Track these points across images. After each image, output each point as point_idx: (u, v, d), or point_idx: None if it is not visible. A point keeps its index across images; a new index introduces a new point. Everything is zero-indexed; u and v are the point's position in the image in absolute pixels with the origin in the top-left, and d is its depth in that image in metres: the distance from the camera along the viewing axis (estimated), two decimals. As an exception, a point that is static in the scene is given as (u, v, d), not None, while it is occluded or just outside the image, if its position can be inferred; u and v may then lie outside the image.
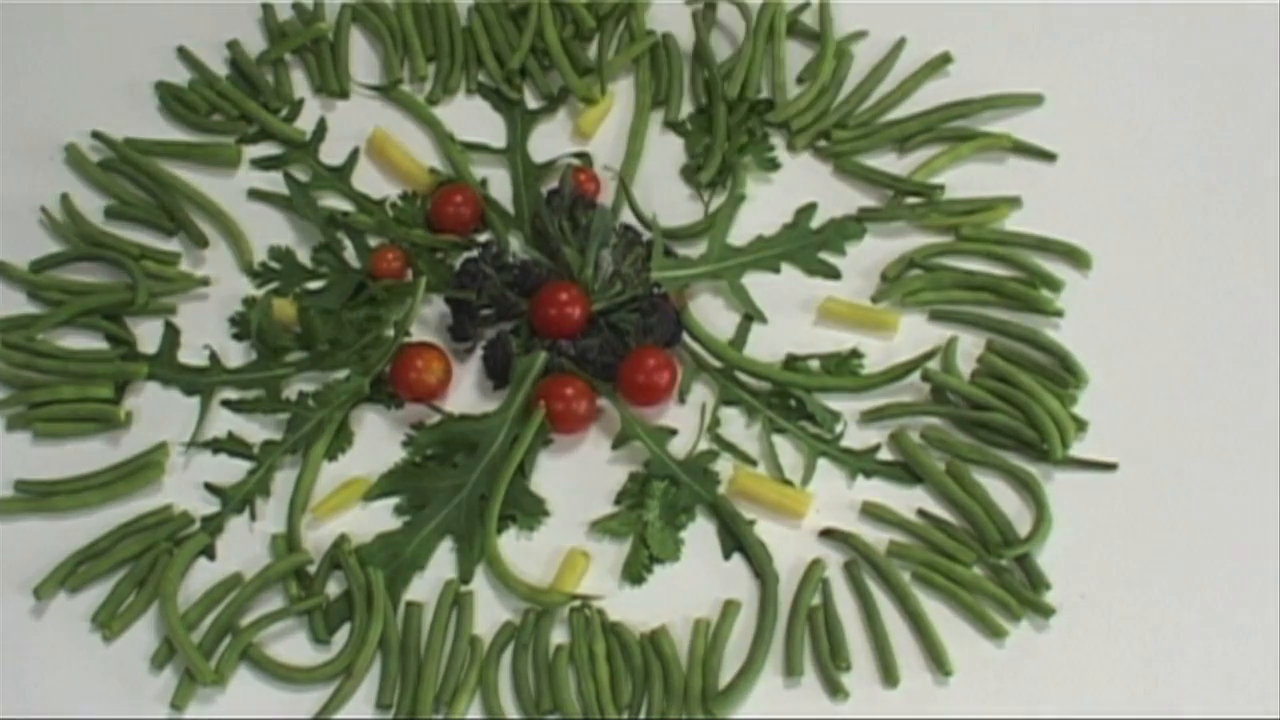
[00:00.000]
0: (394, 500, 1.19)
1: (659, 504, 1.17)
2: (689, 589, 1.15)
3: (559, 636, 1.14)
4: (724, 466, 1.20)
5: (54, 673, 1.13)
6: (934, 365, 1.21)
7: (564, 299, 1.21)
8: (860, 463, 1.19)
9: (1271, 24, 1.36)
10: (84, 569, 1.16)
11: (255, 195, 1.31)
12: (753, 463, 1.20)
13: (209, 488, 1.19)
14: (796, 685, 1.12)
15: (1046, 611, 1.12)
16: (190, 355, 1.25)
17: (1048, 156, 1.30)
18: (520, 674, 1.12)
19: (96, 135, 1.33)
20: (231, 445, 1.21)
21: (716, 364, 1.23)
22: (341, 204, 1.31)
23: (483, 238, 1.29)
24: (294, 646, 1.14)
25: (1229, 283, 1.25)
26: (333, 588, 1.16)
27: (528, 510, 1.18)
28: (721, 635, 1.13)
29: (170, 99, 1.35)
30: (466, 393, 1.23)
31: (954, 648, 1.12)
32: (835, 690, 1.11)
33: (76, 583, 1.15)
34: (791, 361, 1.23)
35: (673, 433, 1.20)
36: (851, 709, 1.11)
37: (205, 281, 1.27)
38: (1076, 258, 1.25)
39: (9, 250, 1.28)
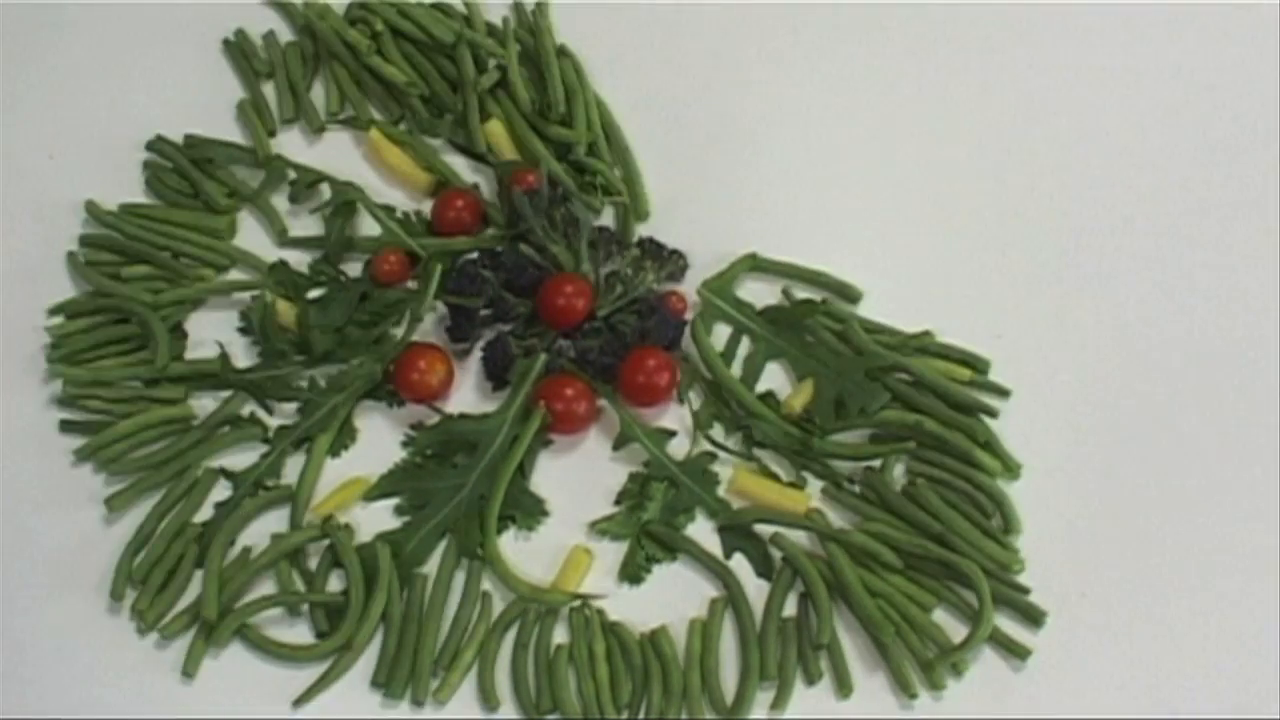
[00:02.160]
0: (394, 500, 1.19)
1: (659, 505, 1.17)
2: (689, 589, 1.15)
3: (559, 636, 1.14)
4: (722, 468, 1.20)
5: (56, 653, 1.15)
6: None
7: (570, 290, 1.22)
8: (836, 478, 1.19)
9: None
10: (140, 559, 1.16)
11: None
12: (751, 458, 1.20)
13: (223, 473, 1.19)
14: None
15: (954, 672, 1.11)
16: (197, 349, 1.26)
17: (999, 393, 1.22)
18: (520, 673, 1.12)
19: (90, 207, 1.30)
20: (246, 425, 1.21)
21: (707, 375, 1.23)
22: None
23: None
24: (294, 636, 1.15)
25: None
26: (334, 584, 1.16)
27: (527, 510, 1.18)
28: (712, 633, 1.13)
29: (154, 178, 1.33)
30: (466, 393, 1.23)
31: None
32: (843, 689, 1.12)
33: (140, 573, 1.16)
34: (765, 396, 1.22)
35: (671, 434, 1.21)
36: (849, 709, 1.11)
37: (245, 286, 1.27)
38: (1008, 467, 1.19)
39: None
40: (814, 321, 1.23)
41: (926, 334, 1.23)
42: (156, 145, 1.33)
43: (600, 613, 1.14)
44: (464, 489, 1.17)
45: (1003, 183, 1.32)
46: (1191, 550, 1.15)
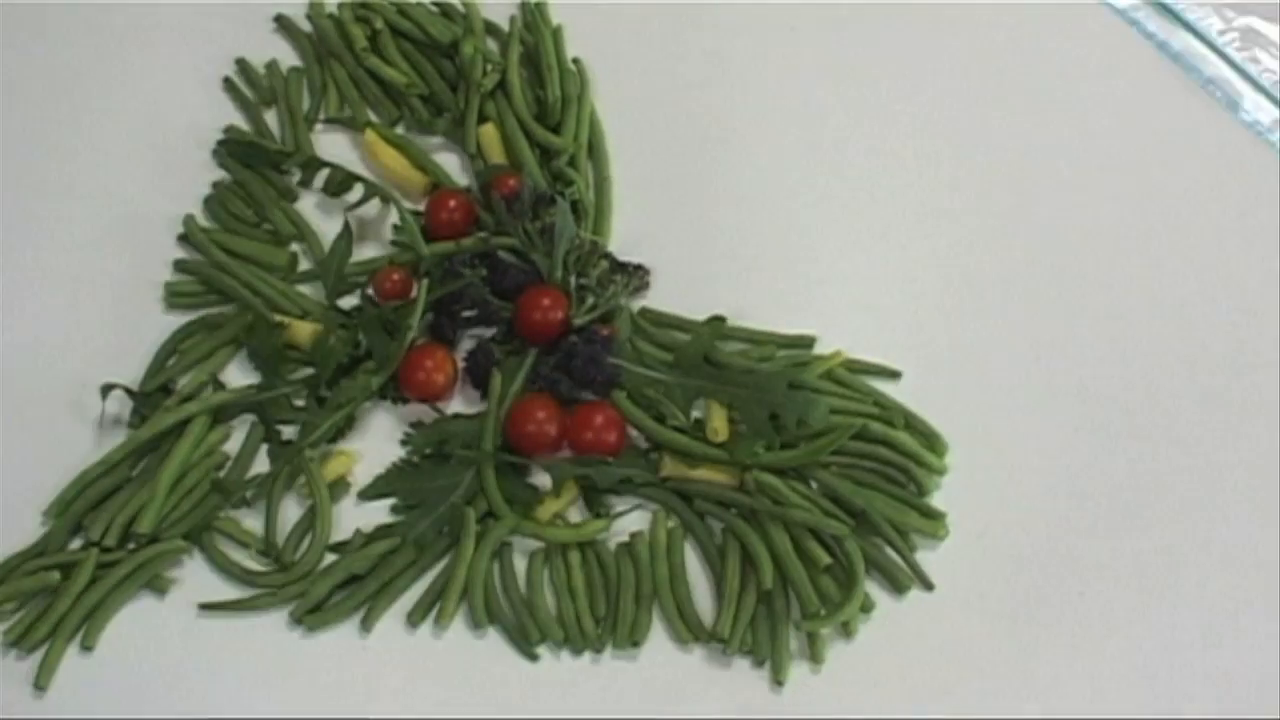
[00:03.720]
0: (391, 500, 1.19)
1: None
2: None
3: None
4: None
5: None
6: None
7: (546, 304, 1.21)
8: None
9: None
10: None
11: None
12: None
13: (215, 485, 1.19)
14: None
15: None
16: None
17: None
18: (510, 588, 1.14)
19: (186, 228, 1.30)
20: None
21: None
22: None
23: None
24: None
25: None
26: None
27: (524, 501, 1.18)
28: (676, 544, 1.15)
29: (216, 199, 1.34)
30: (465, 392, 1.24)
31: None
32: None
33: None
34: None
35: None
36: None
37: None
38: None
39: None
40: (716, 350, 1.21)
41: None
42: (224, 159, 1.33)
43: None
44: (459, 488, 1.17)
45: (994, 177, 1.34)
46: (1192, 550, 1.15)
